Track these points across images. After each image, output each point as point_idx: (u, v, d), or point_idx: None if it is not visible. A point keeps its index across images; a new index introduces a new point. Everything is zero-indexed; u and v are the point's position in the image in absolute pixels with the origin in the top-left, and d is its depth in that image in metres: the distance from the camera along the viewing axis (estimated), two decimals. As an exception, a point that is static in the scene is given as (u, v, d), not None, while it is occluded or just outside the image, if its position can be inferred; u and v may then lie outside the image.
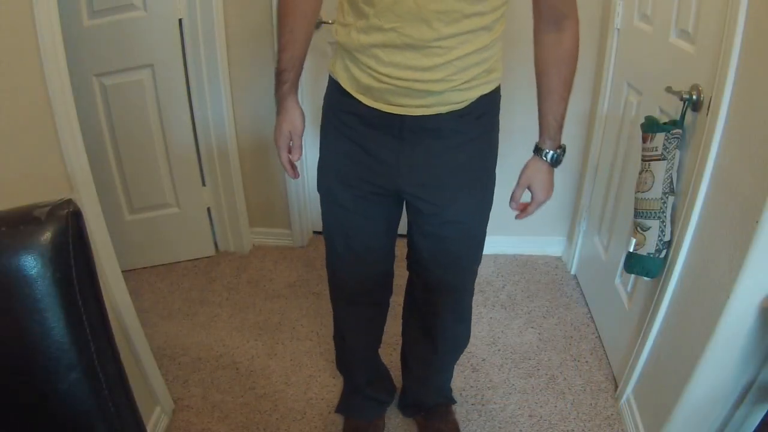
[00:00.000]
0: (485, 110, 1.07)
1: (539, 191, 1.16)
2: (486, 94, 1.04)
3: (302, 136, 1.14)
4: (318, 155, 1.19)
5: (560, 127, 1.10)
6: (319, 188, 1.21)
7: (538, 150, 1.14)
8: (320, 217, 1.25)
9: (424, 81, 0.96)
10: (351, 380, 1.54)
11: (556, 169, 2.40)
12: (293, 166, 1.17)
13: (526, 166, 1.16)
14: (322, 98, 1.17)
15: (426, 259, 1.22)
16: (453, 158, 1.07)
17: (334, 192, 1.16)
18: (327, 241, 1.27)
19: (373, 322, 1.43)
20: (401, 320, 1.49)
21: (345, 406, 1.57)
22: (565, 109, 1.08)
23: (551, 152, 1.12)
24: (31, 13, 1.03)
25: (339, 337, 1.46)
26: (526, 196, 1.20)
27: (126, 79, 1.93)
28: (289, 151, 1.14)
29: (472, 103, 1.03)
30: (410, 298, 1.40)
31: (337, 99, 1.09)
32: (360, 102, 1.03)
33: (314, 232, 2.48)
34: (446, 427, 1.52)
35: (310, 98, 2.10)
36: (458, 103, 1.01)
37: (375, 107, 1.02)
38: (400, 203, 1.20)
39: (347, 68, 1.03)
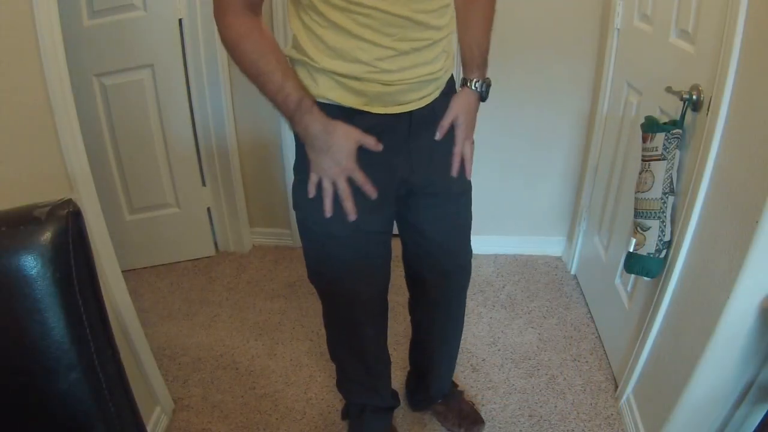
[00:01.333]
0: (452, 83, 1.15)
1: (463, 126, 1.12)
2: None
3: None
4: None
5: (485, 59, 1.14)
6: (327, 229, 1.08)
7: (465, 81, 1.15)
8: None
9: (431, 72, 1.01)
10: (358, 399, 1.49)
11: (556, 170, 2.42)
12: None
13: (456, 99, 1.12)
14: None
15: (440, 247, 1.24)
16: (451, 134, 1.14)
17: (359, 221, 1.04)
18: (340, 289, 1.21)
19: (380, 343, 1.40)
20: (413, 333, 1.50)
21: (357, 428, 1.51)
22: (488, 43, 1.13)
23: (480, 82, 1.14)
24: (31, 13, 1.04)
25: (346, 361, 1.42)
26: None
27: (126, 79, 1.93)
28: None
29: (447, 80, 1.11)
30: (420, 297, 1.39)
31: (335, 120, 0.99)
32: (368, 113, 0.99)
33: (314, 232, 2.48)
34: (466, 407, 1.56)
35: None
36: (444, 83, 1.09)
37: (386, 113, 1.00)
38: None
39: (346, 87, 0.97)
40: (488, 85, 1.16)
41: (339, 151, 0.97)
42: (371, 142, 0.99)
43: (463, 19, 1.13)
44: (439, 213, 1.19)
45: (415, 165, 1.09)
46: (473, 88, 1.13)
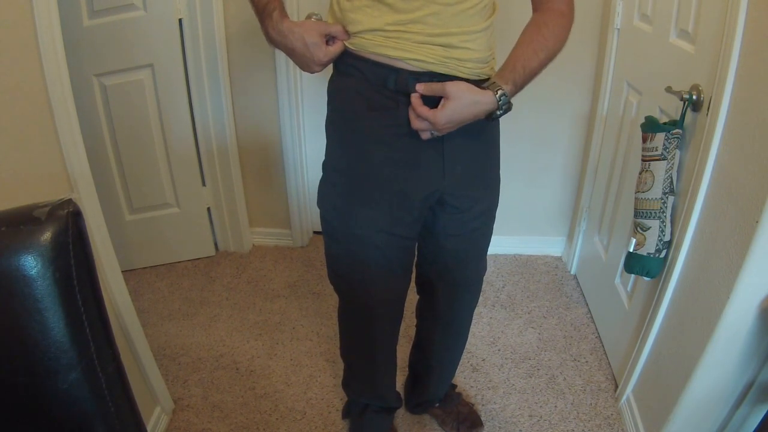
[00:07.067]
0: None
1: (448, 111, 0.92)
2: None
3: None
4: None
5: (523, 80, 0.96)
6: (350, 228, 1.09)
7: (491, 85, 0.94)
8: (319, 216, 1.16)
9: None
10: (361, 398, 1.49)
11: (556, 170, 2.41)
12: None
13: (465, 87, 0.94)
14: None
15: (454, 258, 1.22)
16: (486, 146, 1.12)
17: (383, 222, 1.07)
18: (357, 291, 1.20)
19: (393, 340, 1.39)
20: (416, 337, 1.49)
21: (358, 427, 1.51)
22: (536, 67, 0.97)
23: (505, 96, 0.94)
24: (31, 13, 1.04)
25: (355, 360, 1.42)
26: None
27: (126, 79, 1.93)
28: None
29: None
30: (427, 305, 1.38)
31: (369, 115, 1.01)
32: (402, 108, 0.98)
33: (314, 232, 2.48)
34: (465, 409, 1.55)
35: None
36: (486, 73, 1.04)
37: (424, 59, 0.96)
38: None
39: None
40: (508, 107, 0.96)
41: (295, 42, 0.96)
42: (338, 30, 0.97)
43: (519, 39, 1.00)
44: (460, 225, 1.17)
45: (448, 167, 1.05)
46: (495, 93, 0.93)
